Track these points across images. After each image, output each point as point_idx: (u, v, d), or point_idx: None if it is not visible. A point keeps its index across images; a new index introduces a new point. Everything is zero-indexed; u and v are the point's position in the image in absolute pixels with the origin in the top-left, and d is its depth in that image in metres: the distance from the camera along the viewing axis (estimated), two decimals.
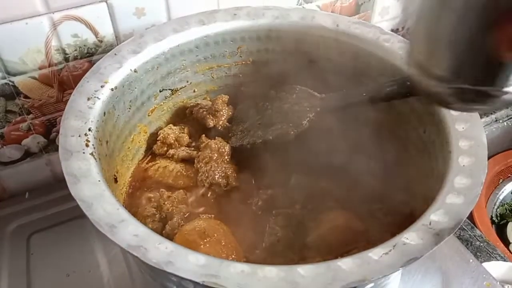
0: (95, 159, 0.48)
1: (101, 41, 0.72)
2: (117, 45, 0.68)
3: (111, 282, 0.68)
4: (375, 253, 0.40)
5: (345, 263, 0.39)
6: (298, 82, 0.70)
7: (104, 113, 0.55)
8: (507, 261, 0.81)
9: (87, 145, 0.49)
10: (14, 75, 0.69)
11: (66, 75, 0.73)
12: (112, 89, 0.57)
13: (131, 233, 0.41)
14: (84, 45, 0.71)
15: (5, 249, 0.72)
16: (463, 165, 0.47)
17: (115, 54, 0.60)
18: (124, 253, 0.70)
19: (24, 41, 0.67)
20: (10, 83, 0.70)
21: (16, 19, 0.65)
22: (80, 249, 0.71)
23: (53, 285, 0.68)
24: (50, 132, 0.78)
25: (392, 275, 0.46)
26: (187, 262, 0.39)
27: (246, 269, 0.39)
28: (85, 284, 0.68)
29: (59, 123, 0.75)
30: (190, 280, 0.38)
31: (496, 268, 0.80)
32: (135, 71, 0.60)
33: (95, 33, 0.71)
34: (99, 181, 0.46)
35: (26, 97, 0.72)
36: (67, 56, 0.71)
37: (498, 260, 0.81)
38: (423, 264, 0.70)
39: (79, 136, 0.50)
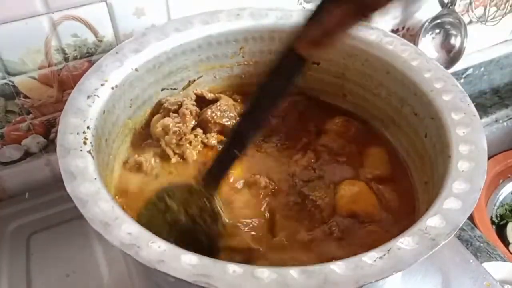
0: (93, 157, 0.49)
1: (100, 41, 0.72)
2: (117, 45, 0.68)
3: (111, 282, 0.68)
4: (369, 257, 0.40)
5: (338, 267, 0.39)
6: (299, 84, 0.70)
7: (104, 111, 0.55)
8: (507, 262, 0.81)
9: (85, 143, 0.49)
10: (14, 75, 0.69)
11: (66, 75, 0.73)
12: (112, 88, 0.57)
13: (124, 231, 0.41)
14: (84, 45, 0.71)
15: (5, 249, 0.72)
16: (462, 170, 0.47)
17: (117, 52, 0.60)
18: (124, 253, 0.70)
19: (24, 41, 0.67)
20: (10, 83, 0.70)
21: (16, 19, 0.65)
22: (80, 249, 0.71)
23: (53, 285, 0.67)
24: (49, 132, 0.78)
25: (386, 279, 0.46)
26: (179, 261, 0.39)
27: (238, 270, 0.39)
28: (85, 284, 0.68)
29: (59, 123, 0.75)
30: (182, 280, 0.38)
31: (496, 268, 0.80)
32: (136, 70, 0.60)
33: (95, 33, 0.71)
34: (95, 178, 0.46)
35: (26, 97, 0.72)
36: (66, 56, 0.71)
37: (498, 260, 0.82)
38: (423, 264, 0.70)
39: (77, 133, 0.50)
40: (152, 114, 0.66)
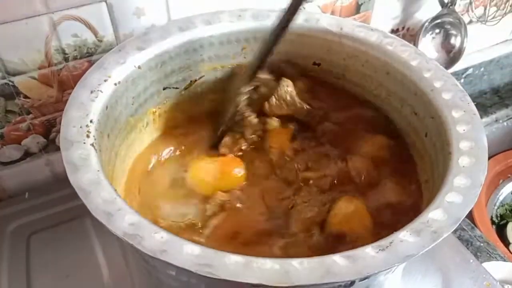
0: (96, 150, 0.49)
1: (100, 41, 0.72)
2: (117, 45, 0.68)
3: (111, 282, 0.68)
4: (372, 249, 0.40)
5: (340, 258, 0.39)
6: (301, 84, 0.70)
7: (107, 107, 0.55)
8: (507, 262, 0.81)
9: (88, 136, 0.49)
10: (14, 75, 0.69)
11: (66, 75, 0.73)
12: (115, 84, 0.56)
13: (127, 221, 0.41)
14: (84, 45, 0.71)
15: (5, 249, 0.72)
16: (463, 166, 0.47)
17: (120, 50, 0.60)
18: (124, 253, 0.70)
19: (24, 41, 0.67)
20: (10, 83, 0.69)
21: (16, 19, 0.65)
22: (80, 249, 0.71)
23: (53, 285, 0.67)
24: (49, 132, 0.78)
25: (388, 273, 0.46)
26: (181, 251, 0.39)
27: (240, 260, 0.39)
28: (85, 284, 0.68)
29: (59, 123, 0.75)
30: (184, 269, 0.38)
31: (496, 268, 0.80)
32: (139, 67, 0.60)
33: (95, 33, 0.71)
34: (98, 170, 0.46)
35: (26, 97, 0.72)
36: (66, 56, 0.71)
37: (498, 260, 0.82)
38: (423, 264, 0.70)
39: (80, 127, 0.50)
40: None
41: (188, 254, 0.39)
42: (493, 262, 0.81)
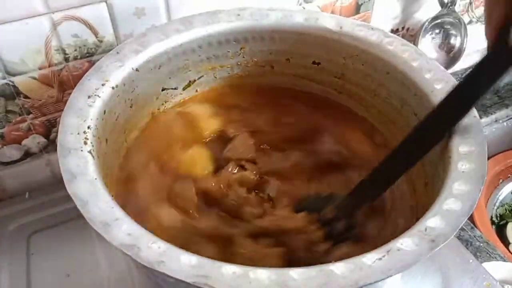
0: (93, 157, 0.48)
1: (101, 41, 0.72)
2: (117, 45, 0.68)
3: (111, 282, 0.68)
4: (369, 258, 0.40)
5: (338, 268, 0.39)
6: (301, 84, 0.71)
7: (105, 111, 0.54)
8: (507, 262, 0.81)
9: (85, 143, 0.49)
10: (14, 75, 0.69)
11: (66, 75, 0.73)
12: (113, 88, 0.56)
13: (124, 232, 0.41)
14: (84, 45, 0.71)
15: (5, 249, 0.72)
16: (463, 171, 0.47)
17: (117, 52, 0.60)
18: (124, 253, 0.70)
19: (24, 41, 0.67)
20: (10, 83, 0.70)
21: (16, 19, 0.65)
22: (80, 249, 0.71)
23: (53, 285, 0.68)
24: (50, 132, 0.78)
25: (386, 280, 0.46)
26: (179, 262, 0.39)
27: (237, 271, 0.39)
28: (85, 284, 0.68)
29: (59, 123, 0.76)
30: (181, 281, 0.38)
31: (496, 268, 0.80)
32: (137, 70, 0.60)
33: (95, 33, 0.71)
34: (95, 179, 0.46)
35: (26, 97, 0.72)
36: (67, 56, 0.71)
37: (498, 260, 0.82)
38: (423, 264, 0.70)
39: (78, 133, 0.50)
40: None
41: (185, 265, 0.39)
42: (493, 262, 0.81)
